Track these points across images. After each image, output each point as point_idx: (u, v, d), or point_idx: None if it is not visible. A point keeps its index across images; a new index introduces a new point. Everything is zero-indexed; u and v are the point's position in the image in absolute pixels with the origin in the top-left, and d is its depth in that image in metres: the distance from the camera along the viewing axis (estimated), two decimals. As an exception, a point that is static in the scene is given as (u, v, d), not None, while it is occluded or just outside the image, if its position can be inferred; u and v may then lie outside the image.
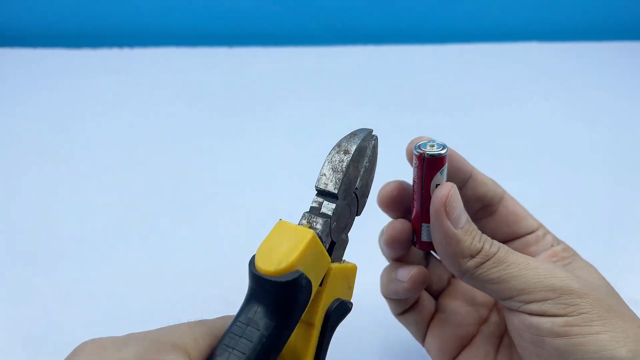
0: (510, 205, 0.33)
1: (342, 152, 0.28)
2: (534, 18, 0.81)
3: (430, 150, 0.29)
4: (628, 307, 0.28)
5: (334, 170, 0.27)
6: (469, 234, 0.28)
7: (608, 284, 0.30)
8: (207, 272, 0.48)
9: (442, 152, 0.29)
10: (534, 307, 0.26)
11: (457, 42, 0.77)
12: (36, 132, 0.62)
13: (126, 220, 0.52)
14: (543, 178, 0.57)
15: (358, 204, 0.29)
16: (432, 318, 0.34)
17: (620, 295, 0.29)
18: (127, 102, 0.66)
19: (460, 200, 0.28)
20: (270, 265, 0.23)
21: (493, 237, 0.32)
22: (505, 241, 0.32)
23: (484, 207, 0.33)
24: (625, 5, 0.80)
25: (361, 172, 0.29)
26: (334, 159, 0.28)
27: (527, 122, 0.64)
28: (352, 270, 0.29)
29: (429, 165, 0.29)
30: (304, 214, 0.27)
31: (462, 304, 0.34)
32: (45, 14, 0.77)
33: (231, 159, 0.59)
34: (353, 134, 0.29)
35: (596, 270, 0.31)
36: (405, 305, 0.33)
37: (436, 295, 0.35)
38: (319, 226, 0.26)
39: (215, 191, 0.55)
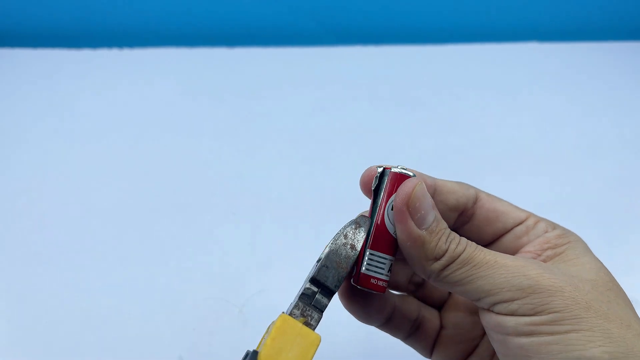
0: (487, 203, 0.31)
1: (348, 247, 0.27)
2: (534, 18, 0.81)
3: (397, 169, 0.28)
4: (626, 305, 0.26)
5: (338, 265, 0.27)
6: (434, 235, 0.26)
7: (606, 278, 0.27)
8: (207, 273, 0.48)
9: (411, 174, 0.28)
10: (501, 307, 0.25)
11: (457, 42, 0.77)
12: (36, 132, 0.62)
13: (126, 220, 0.52)
14: (543, 178, 0.57)
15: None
16: (437, 335, 0.33)
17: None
18: (127, 102, 0.66)
19: (427, 198, 0.26)
20: None
21: (479, 240, 0.31)
22: (493, 240, 0.31)
23: (460, 215, 0.31)
24: (625, 5, 0.80)
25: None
26: (340, 252, 0.27)
27: (527, 122, 0.64)
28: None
29: (393, 181, 0.28)
30: (297, 303, 0.26)
31: (465, 314, 0.33)
32: (45, 14, 0.77)
33: (231, 158, 0.59)
34: (357, 225, 0.28)
35: (594, 260, 0.28)
36: (405, 332, 0.32)
37: (439, 307, 0.34)
38: (313, 322, 0.26)
39: (215, 191, 0.55)
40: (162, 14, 0.78)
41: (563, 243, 0.29)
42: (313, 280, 0.26)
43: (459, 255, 0.26)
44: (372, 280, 0.28)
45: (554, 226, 0.30)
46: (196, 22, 0.79)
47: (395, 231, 0.28)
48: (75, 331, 0.43)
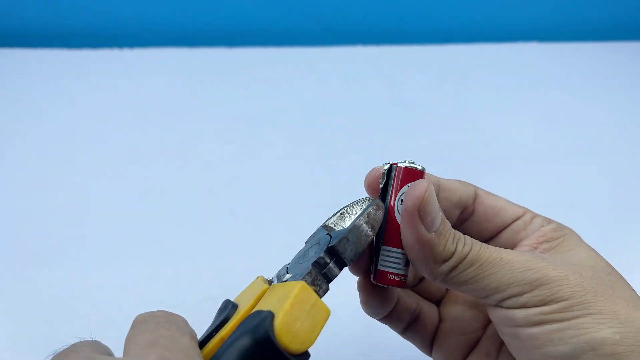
0: (486, 200, 0.31)
1: (369, 227, 0.27)
2: (534, 18, 0.81)
3: (404, 164, 0.28)
4: (628, 288, 0.27)
5: (358, 241, 0.27)
6: (442, 237, 0.26)
7: (603, 264, 0.28)
8: (207, 273, 0.48)
9: (419, 167, 0.28)
10: (510, 302, 0.26)
11: (457, 42, 0.77)
12: (36, 133, 0.62)
13: (126, 220, 0.52)
14: (542, 178, 0.57)
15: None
16: (436, 329, 0.33)
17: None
18: (127, 102, 0.66)
19: (436, 201, 0.27)
20: (294, 344, 0.23)
21: (478, 236, 0.31)
22: (492, 236, 0.32)
23: (461, 213, 0.31)
24: (625, 5, 0.80)
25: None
26: (362, 229, 0.27)
27: (527, 122, 0.64)
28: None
29: (401, 176, 0.28)
30: (310, 271, 0.26)
31: (465, 308, 0.33)
32: (45, 14, 0.77)
33: (231, 158, 0.59)
34: (377, 207, 0.28)
35: (589, 249, 0.29)
36: (404, 323, 0.32)
37: (437, 302, 0.34)
38: (321, 292, 0.26)
39: (215, 191, 0.55)
40: (162, 14, 0.78)
41: (558, 236, 0.29)
42: (330, 249, 0.26)
43: (466, 256, 0.26)
44: (390, 276, 0.28)
45: (549, 221, 0.31)
46: (196, 22, 0.79)
47: None
48: (76, 331, 0.43)
